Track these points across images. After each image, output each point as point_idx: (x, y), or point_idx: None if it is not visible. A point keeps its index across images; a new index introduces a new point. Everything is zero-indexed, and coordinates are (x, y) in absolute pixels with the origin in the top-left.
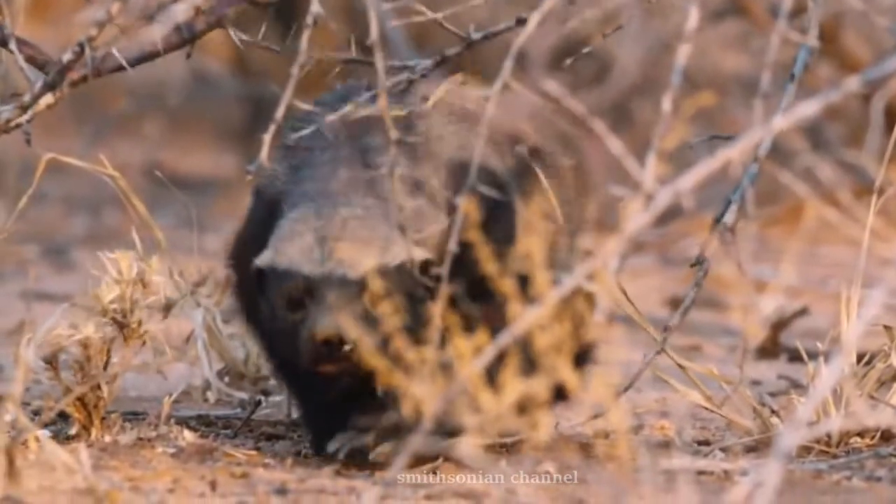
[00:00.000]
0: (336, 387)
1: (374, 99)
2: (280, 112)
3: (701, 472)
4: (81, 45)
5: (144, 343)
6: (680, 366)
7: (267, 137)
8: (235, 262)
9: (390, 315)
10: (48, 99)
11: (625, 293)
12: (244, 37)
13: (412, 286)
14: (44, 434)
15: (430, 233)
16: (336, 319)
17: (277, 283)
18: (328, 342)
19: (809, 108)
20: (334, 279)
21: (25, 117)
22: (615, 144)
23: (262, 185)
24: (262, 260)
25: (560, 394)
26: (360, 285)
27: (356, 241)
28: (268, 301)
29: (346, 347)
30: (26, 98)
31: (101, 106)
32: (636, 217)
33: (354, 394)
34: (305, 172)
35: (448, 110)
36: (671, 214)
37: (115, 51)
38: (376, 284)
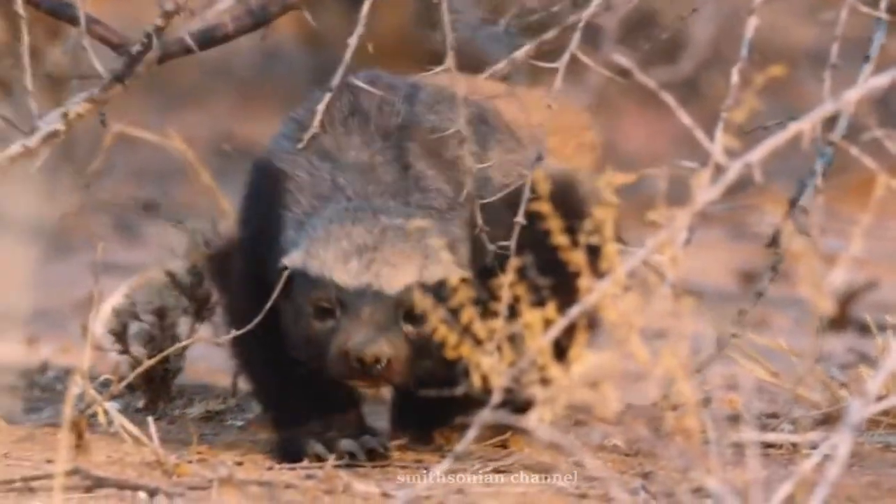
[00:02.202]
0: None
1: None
2: (336, 80)
3: (769, 446)
4: (149, 36)
5: (213, 315)
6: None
7: (320, 107)
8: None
9: (423, 333)
10: (117, 90)
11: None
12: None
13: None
14: (112, 406)
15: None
16: (372, 338)
17: (307, 288)
18: (362, 360)
19: (880, 81)
20: (370, 293)
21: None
22: (685, 118)
23: (266, 160)
24: (293, 261)
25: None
26: (397, 301)
27: (396, 254)
28: (293, 303)
29: (379, 367)
30: (95, 92)
31: (171, 78)
32: (706, 190)
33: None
34: (334, 158)
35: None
36: (740, 187)
37: (186, 36)
38: (413, 301)
